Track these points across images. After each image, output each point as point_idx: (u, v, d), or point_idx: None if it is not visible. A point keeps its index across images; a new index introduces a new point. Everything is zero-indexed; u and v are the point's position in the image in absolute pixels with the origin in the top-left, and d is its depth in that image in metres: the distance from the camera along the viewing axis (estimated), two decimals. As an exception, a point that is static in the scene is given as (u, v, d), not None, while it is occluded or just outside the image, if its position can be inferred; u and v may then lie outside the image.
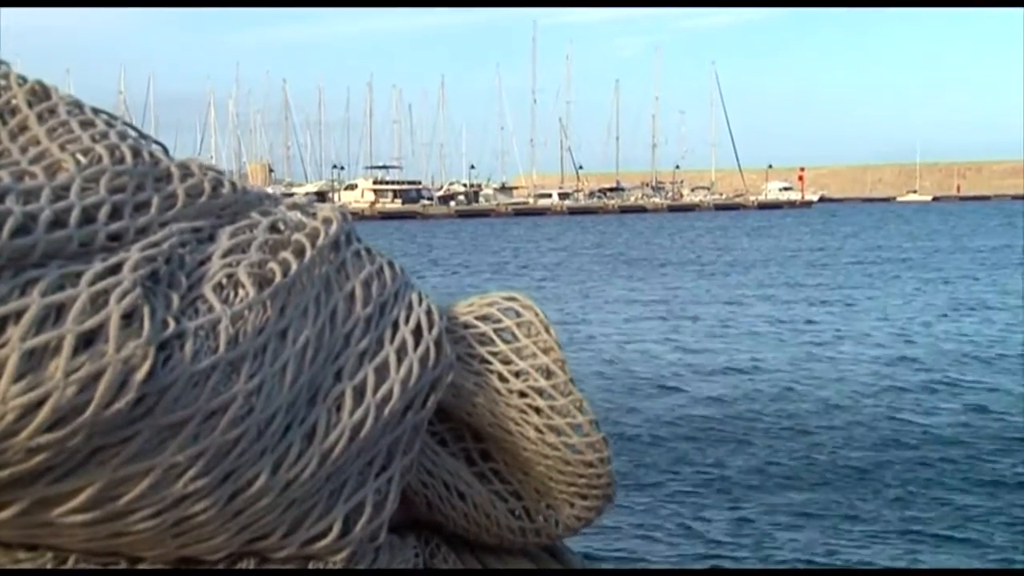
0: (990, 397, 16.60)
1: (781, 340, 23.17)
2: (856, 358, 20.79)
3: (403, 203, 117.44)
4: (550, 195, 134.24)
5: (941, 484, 12.05)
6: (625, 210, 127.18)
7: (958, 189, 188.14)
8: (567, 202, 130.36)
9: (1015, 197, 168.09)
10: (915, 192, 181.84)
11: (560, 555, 1.97)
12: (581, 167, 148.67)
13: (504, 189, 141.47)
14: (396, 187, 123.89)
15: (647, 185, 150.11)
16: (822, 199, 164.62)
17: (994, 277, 37.04)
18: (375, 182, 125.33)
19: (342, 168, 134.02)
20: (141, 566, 1.42)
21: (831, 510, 11.22)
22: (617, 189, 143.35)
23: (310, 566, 1.51)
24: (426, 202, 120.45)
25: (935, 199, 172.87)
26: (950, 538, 10.25)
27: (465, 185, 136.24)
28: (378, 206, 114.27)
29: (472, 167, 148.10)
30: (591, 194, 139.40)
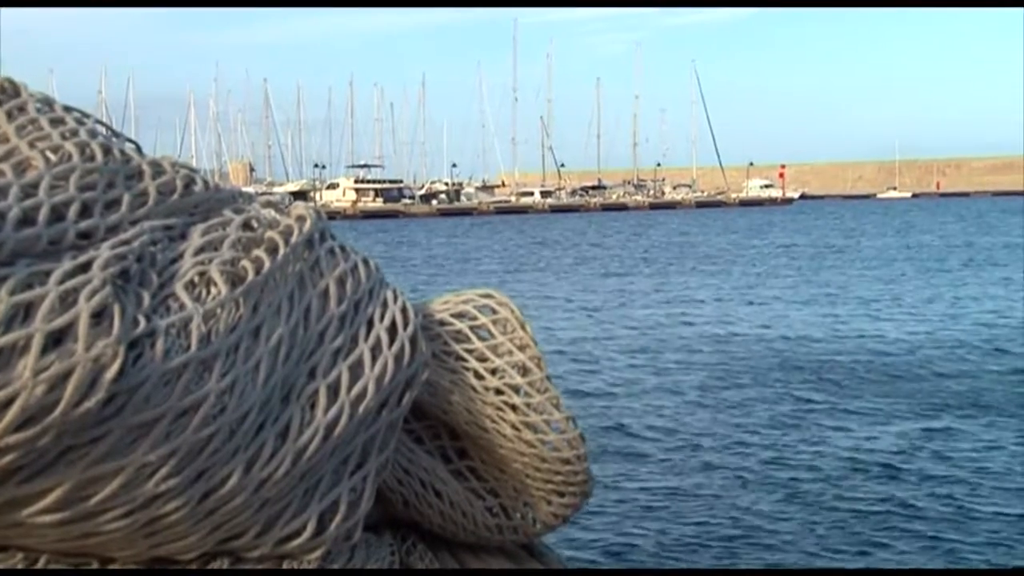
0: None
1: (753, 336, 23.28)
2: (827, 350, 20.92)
3: (385, 202, 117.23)
4: (532, 193, 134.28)
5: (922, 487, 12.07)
6: (607, 208, 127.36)
7: (938, 186, 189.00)
8: (549, 200, 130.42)
9: (995, 194, 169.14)
10: (895, 189, 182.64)
11: (538, 552, 1.97)
12: (563, 165, 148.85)
13: (486, 188, 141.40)
14: (378, 186, 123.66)
15: (629, 183, 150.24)
16: (803, 196, 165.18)
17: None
18: (357, 181, 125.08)
19: (323, 167, 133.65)
20: (113, 566, 1.41)
21: (807, 508, 11.24)
22: (599, 187, 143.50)
23: (284, 565, 1.50)
24: (408, 201, 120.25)
25: (915, 196, 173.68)
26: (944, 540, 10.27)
27: (447, 184, 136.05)
28: (360, 205, 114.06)
29: (454, 166, 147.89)
30: (573, 192, 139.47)
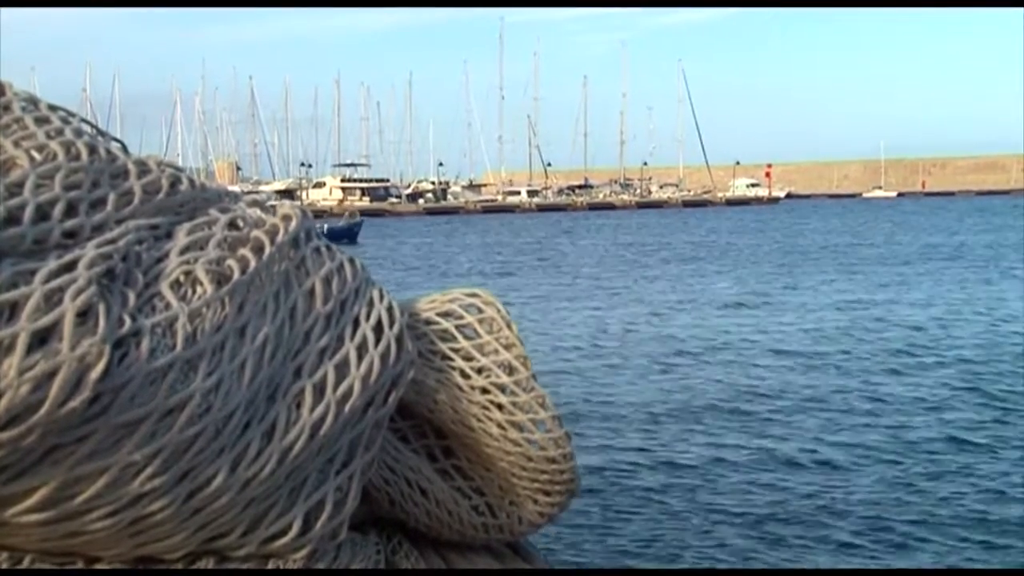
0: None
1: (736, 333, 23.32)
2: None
3: (371, 201, 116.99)
4: (519, 192, 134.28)
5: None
6: (594, 207, 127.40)
7: (923, 185, 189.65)
8: (536, 199, 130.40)
9: (979, 193, 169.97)
10: (880, 188, 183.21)
11: (523, 551, 1.97)
12: (549, 164, 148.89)
13: (472, 186, 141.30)
14: (364, 185, 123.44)
15: (615, 182, 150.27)
16: (789, 195, 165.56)
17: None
18: (343, 180, 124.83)
19: (310, 166, 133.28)
20: (98, 566, 1.41)
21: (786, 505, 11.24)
22: (586, 186, 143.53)
23: (270, 564, 1.50)
24: (394, 200, 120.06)
25: (900, 195, 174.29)
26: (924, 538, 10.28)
27: (433, 183, 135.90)
28: (346, 204, 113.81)
29: (440, 164, 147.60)
30: (560, 191, 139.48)
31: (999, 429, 13.72)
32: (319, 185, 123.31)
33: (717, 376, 18.42)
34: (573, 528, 10.17)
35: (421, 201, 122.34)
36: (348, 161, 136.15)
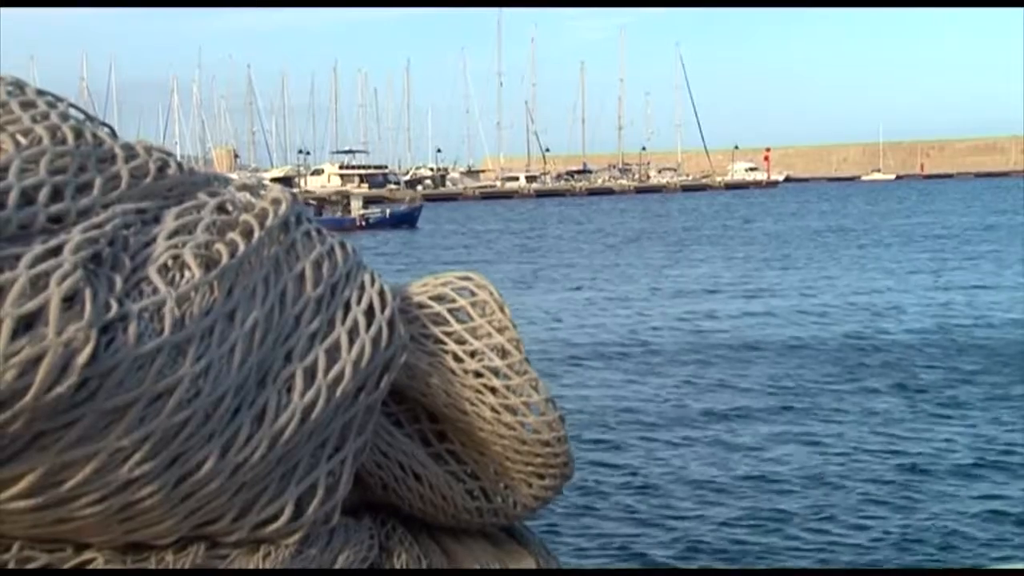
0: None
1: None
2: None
3: (370, 188, 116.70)
4: (517, 178, 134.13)
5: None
6: (592, 192, 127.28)
7: (922, 168, 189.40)
8: (534, 185, 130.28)
9: (978, 175, 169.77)
10: (879, 171, 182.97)
11: (519, 535, 1.96)
12: (548, 150, 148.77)
13: (471, 173, 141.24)
14: (363, 172, 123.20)
15: (614, 167, 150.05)
16: (788, 179, 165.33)
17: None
18: (341, 167, 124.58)
19: (308, 153, 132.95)
20: (88, 552, 1.40)
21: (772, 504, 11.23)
22: (584, 171, 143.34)
23: (262, 549, 1.49)
24: (393, 187, 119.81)
25: (899, 177, 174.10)
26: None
27: (432, 169, 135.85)
28: (343, 191, 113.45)
29: (439, 151, 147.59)
30: (558, 177, 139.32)
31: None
32: (317, 172, 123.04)
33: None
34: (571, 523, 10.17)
35: (420, 187, 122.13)
36: (346, 148, 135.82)
